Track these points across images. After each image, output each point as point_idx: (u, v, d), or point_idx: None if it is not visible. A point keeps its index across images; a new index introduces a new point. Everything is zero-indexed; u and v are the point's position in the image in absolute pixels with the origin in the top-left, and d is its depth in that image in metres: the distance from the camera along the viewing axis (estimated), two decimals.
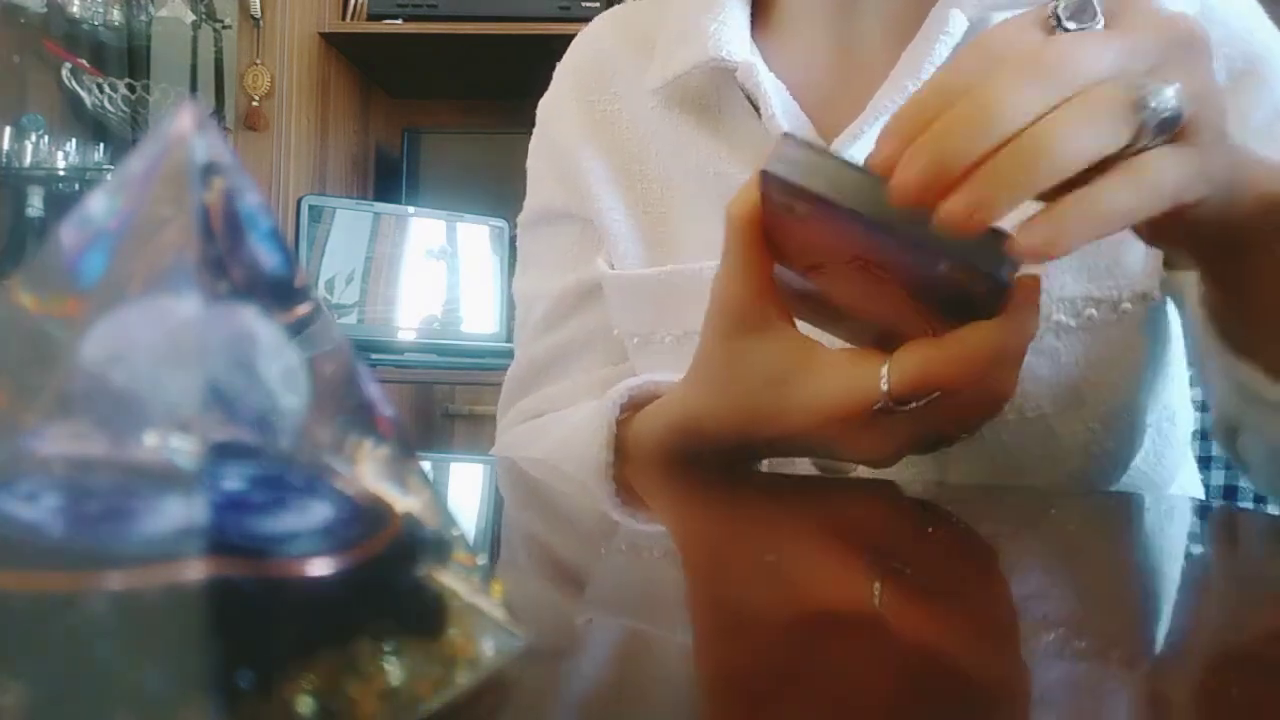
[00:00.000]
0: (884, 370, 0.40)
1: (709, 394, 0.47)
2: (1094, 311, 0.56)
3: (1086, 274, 0.56)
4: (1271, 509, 0.91)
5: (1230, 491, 0.94)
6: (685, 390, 0.49)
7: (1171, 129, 0.34)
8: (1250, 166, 0.40)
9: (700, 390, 0.47)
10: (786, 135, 0.38)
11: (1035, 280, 0.39)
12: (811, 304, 0.46)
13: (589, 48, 0.71)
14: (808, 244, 0.42)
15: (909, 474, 0.57)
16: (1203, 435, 0.95)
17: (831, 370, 0.42)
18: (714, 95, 0.62)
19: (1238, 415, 0.51)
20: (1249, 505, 0.91)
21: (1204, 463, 0.94)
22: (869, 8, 0.60)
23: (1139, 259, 0.56)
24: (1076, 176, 0.33)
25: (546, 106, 0.72)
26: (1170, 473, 0.65)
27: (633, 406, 0.54)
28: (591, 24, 0.72)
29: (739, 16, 0.61)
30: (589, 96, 0.68)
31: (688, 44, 0.61)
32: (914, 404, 0.40)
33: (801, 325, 0.46)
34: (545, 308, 0.70)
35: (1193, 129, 0.35)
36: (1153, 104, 0.33)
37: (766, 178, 0.39)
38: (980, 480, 0.57)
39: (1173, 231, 0.40)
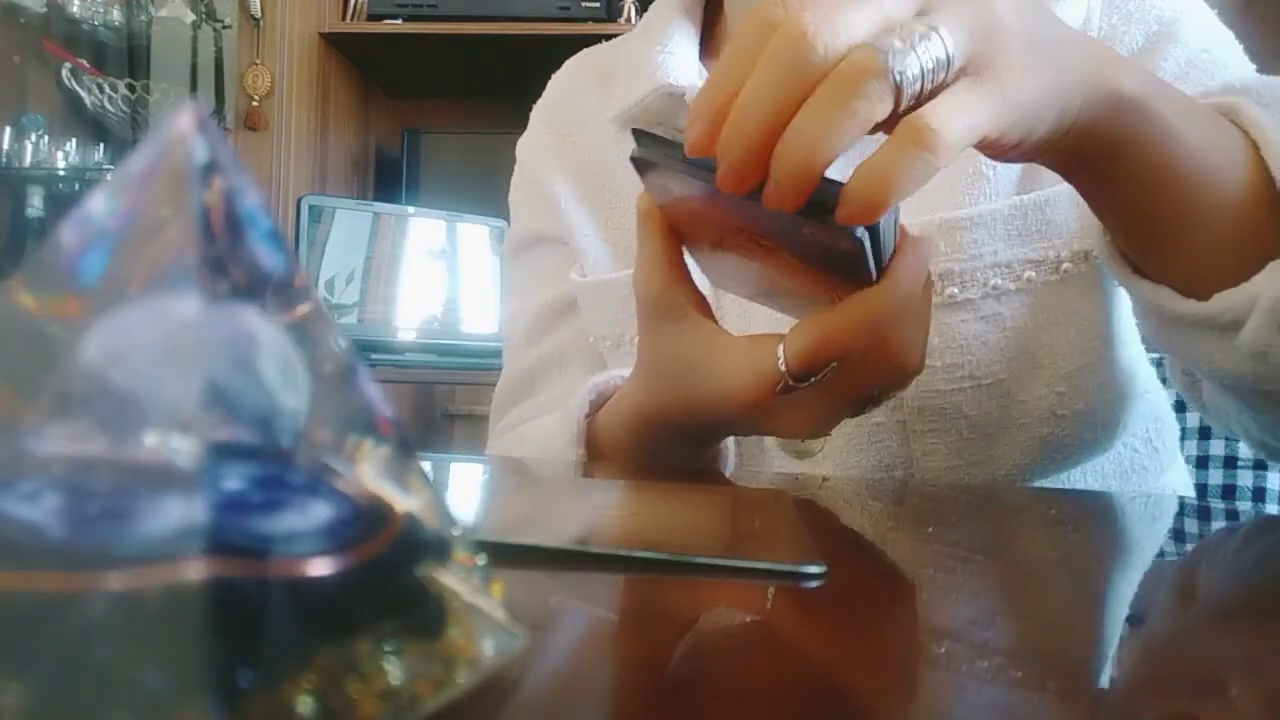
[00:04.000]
0: (779, 350, 0.41)
1: (648, 383, 0.49)
2: (1033, 274, 0.56)
3: (1017, 237, 0.56)
4: (1270, 507, 0.91)
5: (1229, 490, 0.94)
6: (632, 381, 0.51)
7: (946, 73, 0.33)
8: (1103, 70, 0.39)
9: (641, 381, 0.49)
10: (637, 130, 0.39)
11: (915, 241, 0.40)
12: (745, 283, 0.47)
13: (559, 88, 0.78)
14: (699, 223, 0.43)
15: (872, 458, 0.58)
16: (1200, 433, 0.95)
17: (731, 356, 0.43)
18: (670, 118, 0.68)
19: (1161, 343, 0.51)
20: (1247, 504, 0.91)
21: (1202, 462, 0.94)
22: None
23: (1071, 217, 0.57)
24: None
25: (523, 144, 0.79)
26: (1170, 450, 0.66)
27: (601, 403, 0.56)
28: (562, 68, 0.80)
29: (687, 46, 0.68)
30: (560, 130, 0.75)
31: (640, 76, 0.67)
32: (814, 379, 0.41)
33: (741, 305, 0.47)
34: (526, 324, 0.75)
35: (979, 61, 0.34)
36: (904, 68, 0.32)
37: (635, 163, 0.40)
38: (950, 452, 0.58)
39: (1013, 153, 0.38)
